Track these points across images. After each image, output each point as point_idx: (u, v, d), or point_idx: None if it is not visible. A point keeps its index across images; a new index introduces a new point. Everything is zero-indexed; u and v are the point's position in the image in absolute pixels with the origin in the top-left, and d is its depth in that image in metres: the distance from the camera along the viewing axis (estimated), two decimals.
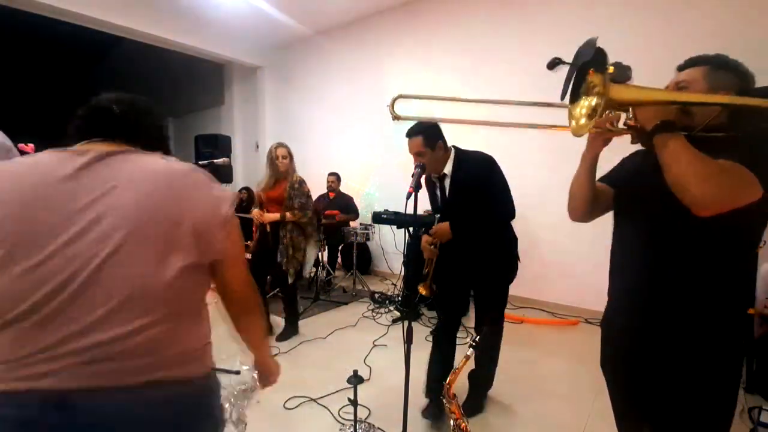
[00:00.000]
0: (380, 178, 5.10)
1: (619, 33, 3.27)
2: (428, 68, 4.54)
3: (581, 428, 1.96)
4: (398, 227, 4.18)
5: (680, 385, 0.91)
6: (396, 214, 3.96)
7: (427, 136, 1.84)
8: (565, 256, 3.54)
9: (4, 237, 0.61)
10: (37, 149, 2.28)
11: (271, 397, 2.17)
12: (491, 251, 1.93)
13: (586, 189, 1.04)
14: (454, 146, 1.95)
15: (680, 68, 0.97)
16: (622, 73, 0.79)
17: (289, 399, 2.13)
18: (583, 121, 0.85)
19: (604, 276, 3.41)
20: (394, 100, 1.14)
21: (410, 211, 1.55)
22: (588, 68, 0.83)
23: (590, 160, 1.02)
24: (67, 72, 8.98)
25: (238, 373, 1.06)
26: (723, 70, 0.90)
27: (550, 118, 1.05)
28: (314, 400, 2.14)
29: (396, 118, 1.11)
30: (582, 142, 1.07)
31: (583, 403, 2.16)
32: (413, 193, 1.53)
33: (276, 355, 2.68)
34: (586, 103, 0.85)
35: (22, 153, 2.23)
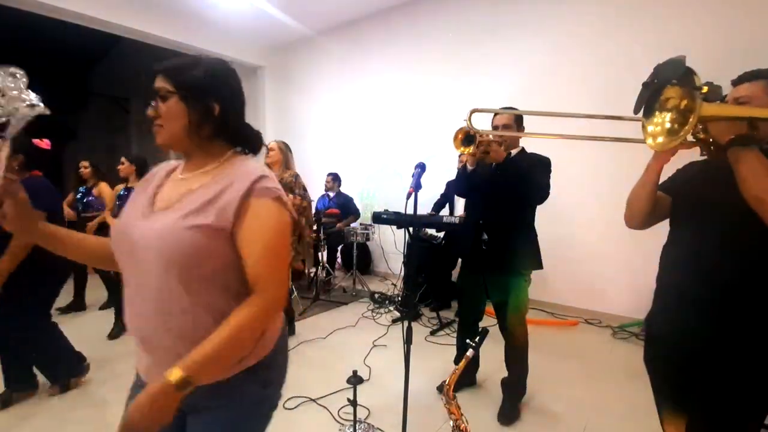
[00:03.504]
0: (380, 178, 5.11)
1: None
2: (432, 69, 4.54)
3: (581, 427, 1.96)
4: (398, 227, 4.18)
5: (723, 383, 0.94)
6: (396, 214, 3.96)
7: (518, 115, 2.01)
8: (565, 257, 3.54)
9: None
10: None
11: None
12: (514, 242, 1.95)
13: (648, 198, 1.07)
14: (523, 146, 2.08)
15: (735, 83, 0.99)
16: (716, 93, 0.81)
17: (288, 399, 2.13)
18: (660, 139, 0.87)
19: (603, 277, 3.44)
20: (471, 113, 1.20)
21: (410, 211, 1.55)
22: (673, 85, 0.86)
23: (656, 171, 1.04)
24: (66, 71, 8.98)
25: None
26: None
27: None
28: (314, 401, 2.14)
29: (474, 132, 1.18)
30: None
31: (582, 402, 2.16)
32: (413, 193, 1.53)
33: None
34: (668, 118, 0.87)
35: (38, 148, 2.21)
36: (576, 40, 3.57)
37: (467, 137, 1.84)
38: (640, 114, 0.93)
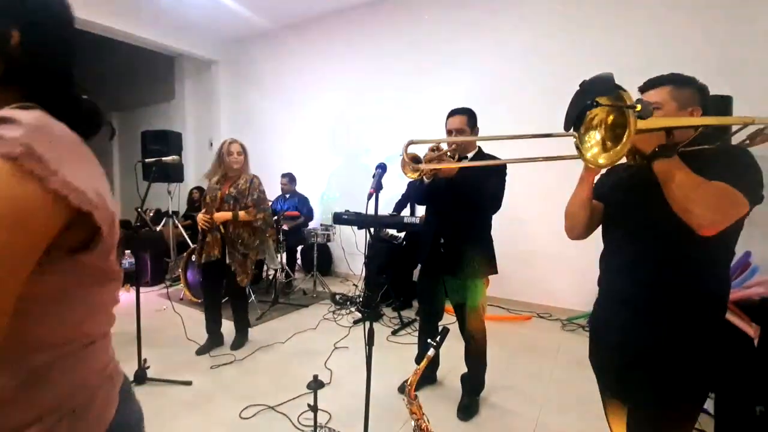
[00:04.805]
0: (340, 179, 5.06)
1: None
2: (394, 67, 4.56)
3: (534, 419, 2.05)
4: (359, 228, 4.17)
5: (657, 374, 1.00)
6: (357, 214, 3.94)
7: (470, 117, 2.02)
8: (519, 255, 3.70)
9: None
10: None
11: (227, 406, 2.08)
12: (470, 248, 2.00)
13: (586, 208, 1.11)
14: (479, 146, 2.11)
15: (642, 89, 1.03)
16: (647, 110, 0.84)
17: (245, 408, 2.05)
18: (595, 150, 0.91)
19: (553, 274, 3.62)
20: (407, 146, 1.24)
21: (371, 211, 1.54)
22: (604, 105, 0.88)
23: (590, 182, 1.07)
24: None
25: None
26: (686, 87, 0.99)
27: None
28: (272, 408, 2.07)
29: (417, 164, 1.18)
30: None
31: (536, 394, 2.27)
32: (374, 194, 1.53)
33: (231, 362, 2.58)
34: (600, 135, 0.90)
35: None
36: (537, 44, 3.75)
37: (415, 161, 1.88)
38: (572, 130, 0.94)
